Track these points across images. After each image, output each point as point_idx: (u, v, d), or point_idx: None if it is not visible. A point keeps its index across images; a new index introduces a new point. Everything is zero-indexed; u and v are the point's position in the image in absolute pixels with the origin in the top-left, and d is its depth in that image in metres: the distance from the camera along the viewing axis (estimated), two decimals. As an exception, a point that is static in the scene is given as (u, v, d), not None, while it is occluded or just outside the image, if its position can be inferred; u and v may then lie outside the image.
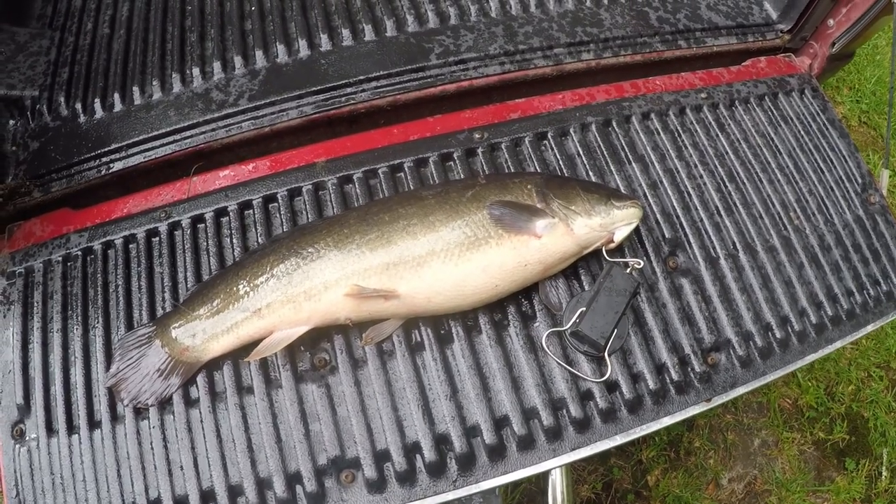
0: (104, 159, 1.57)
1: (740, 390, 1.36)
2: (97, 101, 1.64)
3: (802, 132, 1.64)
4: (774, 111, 1.65)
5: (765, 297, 1.42)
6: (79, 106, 1.64)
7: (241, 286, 1.29)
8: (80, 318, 1.41)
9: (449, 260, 1.24)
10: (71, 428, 1.32)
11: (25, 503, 1.29)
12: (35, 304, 1.44)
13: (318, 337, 1.32)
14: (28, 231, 1.53)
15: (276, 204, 1.46)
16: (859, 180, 1.62)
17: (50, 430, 1.32)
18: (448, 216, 1.26)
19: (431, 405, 1.26)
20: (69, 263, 1.47)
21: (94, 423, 1.31)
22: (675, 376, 1.32)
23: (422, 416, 1.25)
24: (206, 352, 1.30)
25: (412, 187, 1.45)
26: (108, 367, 1.35)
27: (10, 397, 1.36)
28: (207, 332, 1.29)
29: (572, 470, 2.08)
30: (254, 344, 1.29)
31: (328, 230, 1.29)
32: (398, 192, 1.45)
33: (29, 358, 1.39)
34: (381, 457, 1.23)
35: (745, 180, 1.53)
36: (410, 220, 1.27)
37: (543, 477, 1.73)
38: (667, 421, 1.31)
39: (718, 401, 1.35)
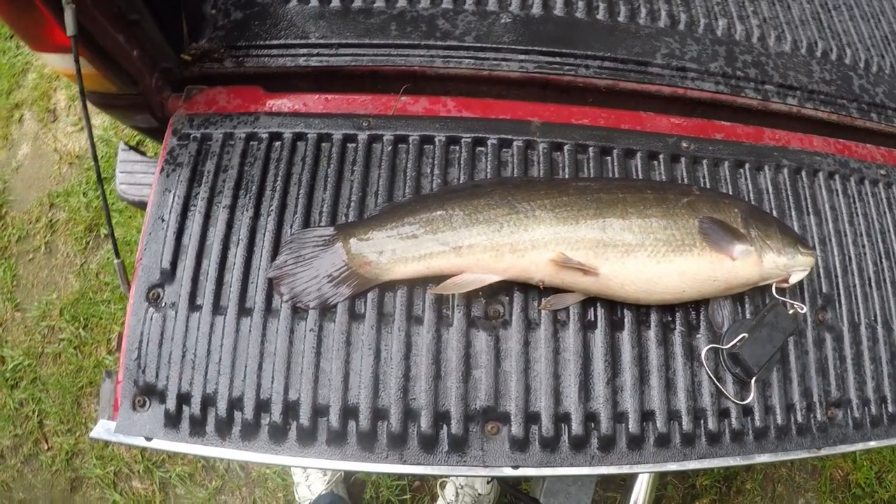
0: (310, 50, 1.56)
1: (846, 448, 1.43)
2: None
3: (963, 232, 1.72)
4: (941, 205, 1.73)
5: (888, 373, 1.50)
6: (294, -12, 1.63)
7: (444, 219, 1.32)
8: (253, 200, 1.40)
9: (654, 256, 1.30)
10: (217, 308, 1.32)
11: (146, 369, 1.29)
12: (206, 172, 1.43)
13: (498, 289, 1.36)
14: (211, 98, 1.53)
15: (483, 148, 1.49)
16: None
17: (192, 303, 1.32)
18: (663, 215, 1.32)
19: (590, 382, 1.32)
20: (252, 143, 1.47)
21: (244, 310, 1.31)
22: (799, 419, 1.40)
23: (578, 390, 1.30)
24: (389, 272, 1.32)
25: (617, 174, 1.50)
26: (273, 259, 1.35)
27: (154, 258, 1.36)
28: (397, 254, 1.31)
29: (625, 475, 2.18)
30: (440, 278, 1.32)
31: (546, 192, 1.34)
32: (603, 174, 1.50)
33: (186, 225, 1.38)
34: (531, 418, 1.28)
35: (899, 262, 1.62)
36: (628, 208, 1.32)
37: (629, 484, 1.84)
38: (781, 457, 1.38)
39: (826, 452, 1.42)
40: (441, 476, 2.33)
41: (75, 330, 2.88)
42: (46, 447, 2.71)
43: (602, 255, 1.29)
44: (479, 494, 2.37)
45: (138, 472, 2.63)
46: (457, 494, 2.38)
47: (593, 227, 1.30)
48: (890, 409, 1.49)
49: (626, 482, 1.86)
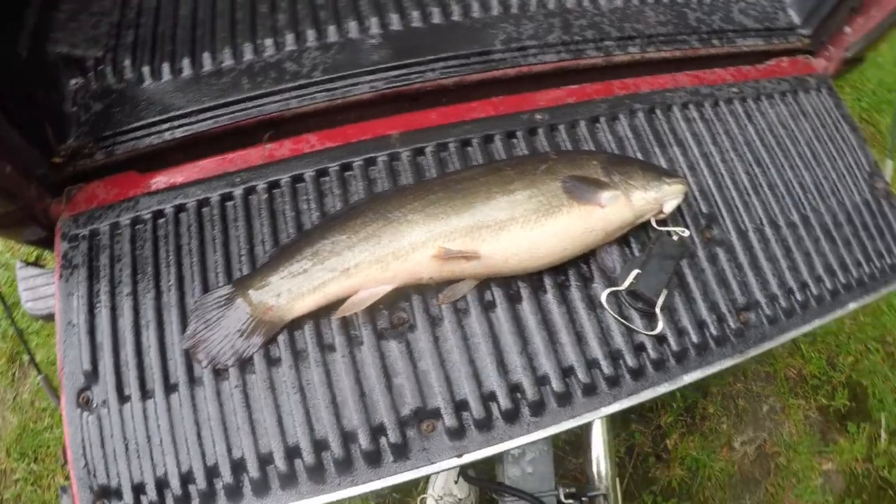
0: (173, 123, 1.61)
1: (769, 345, 1.51)
2: (165, 65, 1.69)
3: (819, 125, 1.82)
4: (795, 106, 1.82)
5: (787, 266, 1.59)
6: (146, 69, 1.68)
7: (328, 247, 1.37)
8: (151, 281, 1.44)
9: (526, 225, 1.37)
10: (145, 393, 1.34)
11: (96, 472, 1.30)
12: (102, 267, 1.46)
13: (396, 297, 1.42)
14: (91, 194, 1.57)
15: (352, 172, 1.55)
16: (867, 168, 1.81)
17: (121, 395, 1.35)
18: (526, 186, 1.39)
19: (505, 357, 1.38)
20: (138, 226, 1.51)
21: (170, 387, 1.35)
22: (714, 331, 1.47)
23: (496, 367, 1.36)
24: (291, 311, 1.37)
25: (481, 161, 1.58)
26: (183, 330, 1.39)
27: (74, 363, 1.38)
28: (293, 292, 1.36)
29: (579, 437, 2.23)
30: (338, 303, 1.38)
31: (413, 195, 1.40)
32: (468, 164, 1.57)
33: (96, 323, 1.41)
34: (460, 406, 1.34)
35: (770, 165, 1.70)
36: (491, 188, 1.39)
37: (586, 435, 1.89)
38: (709, 370, 1.45)
39: (751, 353, 1.49)
40: (395, 485, 2.37)
41: (27, 466, 2.81)
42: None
43: (478, 237, 1.36)
44: (460, 499, 2.40)
45: None
46: (438, 506, 2.41)
47: (463, 215, 1.36)
48: (798, 297, 1.57)
49: (583, 443, 1.91)
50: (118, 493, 1.29)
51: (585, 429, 1.87)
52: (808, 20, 1.94)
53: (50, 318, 1.58)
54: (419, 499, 2.49)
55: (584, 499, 1.78)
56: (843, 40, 1.90)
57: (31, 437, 2.89)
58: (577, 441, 2.66)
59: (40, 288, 1.61)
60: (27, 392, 3.02)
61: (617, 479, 1.85)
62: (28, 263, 1.64)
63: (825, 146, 1.79)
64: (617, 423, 2.81)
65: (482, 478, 2.04)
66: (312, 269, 1.37)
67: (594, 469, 1.86)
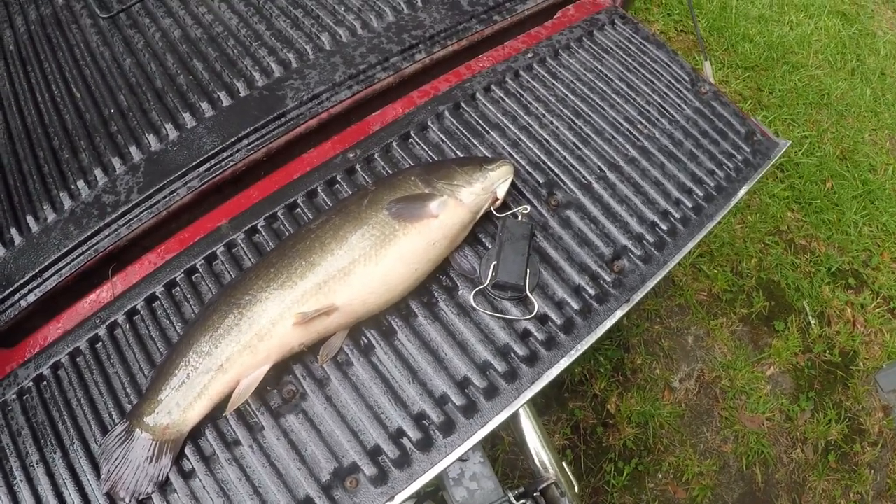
0: (21, 292, 1.61)
1: (651, 283, 1.53)
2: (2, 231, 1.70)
3: (625, 56, 1.84)
4: (594, 47, 1.85)
5: (641, 201, 1.61)
6: (-22, 243, 1.69)
7: (196, 352, 1.38)
8: (55, 442, 1.44)
9: (369, 262, 1.38)
10: None
11: None
12: (6, 447, 1.46)
13: (278, 373, 1.42)
14: None
15: (198, 274, 1.56)
16: (687, 78, 1.84)
17: None
18: (355, 227, 1.40)
19: (399, 392, 1.39)
20: (25, 397, 1.51)
21: None
22: (592, 291, 1.49)
23: (394, 404, 1.37)
24: (186, 423, 1.38)
25: (311, 217, 1.58)
26: (98, 477, 1.39)
27: None
28: (181, 405, 1.37)
29: (512, 438, 2.24)
30: (226, 399, 1.39)
31: (256, 275, 1.41)
32: (300, 225, 1.58)
33: (19, 499, 1.41)
34: (373, 452, 1.34)
35: (591, 112, 1.72)
36: (324, 240, 1.40)
37: (517, 432, 1.90)
38: (601, 330, 1.46)
39: (636, 297, 1.51)
40: None
41: None
42: None
43: (329, 291, 1.36)
44: None
45: None
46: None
47: (308, 276, 1.37)
48: (663, 226, 1.59)
49: (517, 440, 1.92)
50: None
51: (514, 426, 1.87)
52: (580, -40, 1.97)
53: None
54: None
55: (535, 494, 1.78)
56: (620, -30, 1.94)
57: None
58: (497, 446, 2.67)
59: None
60: None
61: (564, 463, 1.85)
62: None
63: (638, 73, 1.82)
64: (554, 408, 2.83)
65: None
66: (191, 378, 1.37)
67: (536, 461, 1.86)
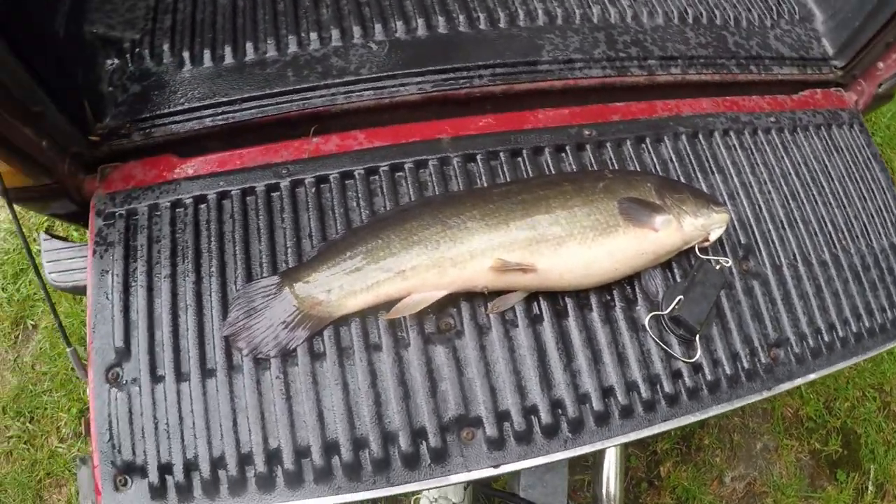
0: (215, 110, 1.59)
1: (794, 383, 1.53)
2: (206, 51, 1.66)
3: (850, 162, 1.84)
4: (829, 141, 1.84)
5: (817, 305, 1.60)
6: (185, 54, 1.65)
7: (383, 247, 1.36)
8: (192, 265, 1.42)
9: (584, 242, 1.37)
10: (179, 375, 1.33)
11: (121, 448, 1.28)
12: (139, 247, 1.44)
13: (446, 302, 1.40)
14: (127, 174, 1.54)
15: (402, 173, 1.54)
16: (894, 212, 1.84)
17: (154, 375, 1.33)
18: (585, 203, 1.39)
19: (549, 372, 1.38)
20: (178, 210, 1.49)
21: (207, 371, 1.33)
22: (745, 365, 1.48)
23: (540, 381, 1.36)
24: (340, 307, 1.36)
25: (530, 172, 1.57)
26: (223, 317, 1.37)
27: (106, 339, 1.36)
28: (345, 289, 1.35)
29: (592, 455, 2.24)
30: (386, 304, 1.37)
31: (472, 203, 1.39)
32: (517, 175, 1.56)
33: (130, 301, 1.39)
34: (501, 417, 1.33)
35: (804, 200, 1.72)
36: (551, 202, 1.39)
37: (600, 459, 1.90)
38: (737, 403, 1.46)
39: (777, 390, 1.51)
40: (430, 489, 2.35)
41: (22, 425, 2.82)
42: (14, 548, 2.65)
43: (536, 251, 1.35)
44: (454, 503, 2.40)
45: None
46: (432, 507, 2.40)
47: (523, 228, 1.36)
48: (825, 338, 1.58)
49: (595, 460, 1.92)
50: (142, 471, 1.27)
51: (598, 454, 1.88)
52: (842, 52, 1.97)
53: (75, 290, 1.58)
54: (413, 499, 2.47)
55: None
56: (876, 76, 1.93)
57: (29, 398, 2.90)
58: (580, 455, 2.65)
59: (65, 261, 1.60)
60: (28, 355, 3.01)
61: (623, 504, 1.86)
62: (52, 236, 1.61)
63: (856, 185, 1.81)
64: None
65: (493, 488, 2.04)
66: (367, 268, 1.35)
67: (603, 489, 1.87)
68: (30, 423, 2.85)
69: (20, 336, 3.05)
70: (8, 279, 3.13)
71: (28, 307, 3.07)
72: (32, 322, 3.05)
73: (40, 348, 2.99)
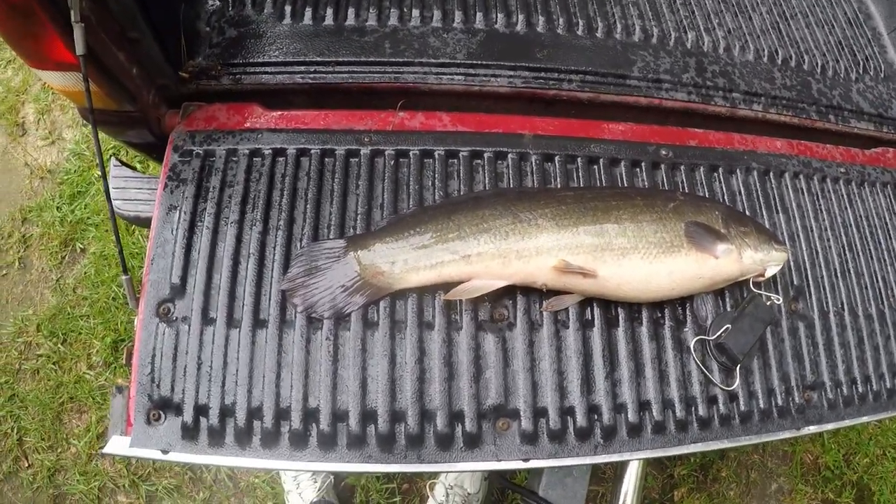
0: (308, 68, 1.62)
1: (823, 427, 1.56)
2: (308, 9, 1.69)
3: (910, 225, 1.87)
4: (893, 199, 1.87)
5: (856, 356, 1.63)
6: (287, 8, 1.69)
7: (453, 230, 1.40)
8: (261, 215, 1.46)
9: (647, 257, 1.41)
10: (231, 320, 1.36)
11: (160, 383, 1.32)
12: (211, 188, 1.48)
13: (502, 293, 1.44)
14: (211, 115, 1.58)
15: (480, 161, 1.58)
16: (943, 283, 1.86)
17: (205, 317, 1.37)
18: (654, 220, 1.43)
19: (591, 377, 1.41)
20: (256, 159, 1.52)
21: (259, 322, 1.37)
22: (780, 402, 1.51)
23: (581, 385, 1.39)
24: (402, 281, 1.40)
25: (604, 181, 1.61)
26: (284, 272, 1.41)
27: (163, 273, 1.40)
28: (409, 264, 1.39)
29: (613, 468, 2.26)
30: (445, 285, 1.41)
31: (546, 202, 1.43)
32: (592, 182, 1.60)
33: (193, 241, 1.43)
34: (538, 413, 1.37)
35: (860, 253, 1.74)
36: (622, 214, 1.43)
37: (621, 466, 1.93)
38: (765, 438, 1.50)
39: (805, 431, 1.54)
40: (450, 473, 2.38)
41: (54, 346, 2.85)
42: (27, 464, 2.69)
43: (600, 258, 1.39)
44: (469, 493, 2.42)
45: (123, 486, 2.62)
46: (447, 495, 2.42)
47: (591, 233, 1.40)
48: (859, 389, 1.61)
49: (615, 474, 1.95)
50: (178, 409, 1.31)
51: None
52: (920, 117, 1.99)
53: (136, 221, 1.61)
54: (429, 483, 2.51)
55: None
56: (946, 145, 1.96)
57: (65, 319, 2.93)
58: (598, 466, 2.70)
59: (131, 190, 1.64)
60: (72, 278, 3.05)
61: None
62: (122, 163, 1.63)
63: (912, 248, 1.84)
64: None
65: (513, 483, 2.08)
66: (434, 247, 1.39)
67: (620, 502, 1.90)
68: (62, 344, 2.88)
69: (67, 258, 3.09)
70: (64, 199, 3.17)
71: (80, 230, 3.11)
72: (81, 246, 3.09)
73: (85, 273, 3.03)
